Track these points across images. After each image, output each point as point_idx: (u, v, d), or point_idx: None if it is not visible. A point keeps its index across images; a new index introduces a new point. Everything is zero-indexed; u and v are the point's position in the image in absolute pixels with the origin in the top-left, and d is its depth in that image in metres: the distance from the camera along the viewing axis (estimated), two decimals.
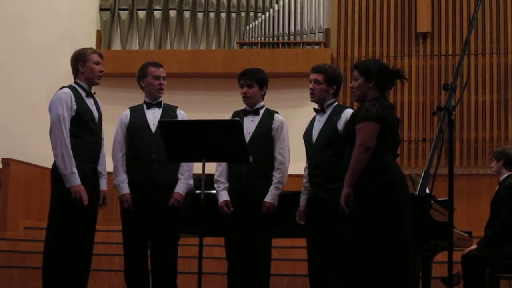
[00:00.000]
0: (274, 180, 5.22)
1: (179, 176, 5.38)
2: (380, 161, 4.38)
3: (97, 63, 5.26)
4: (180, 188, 5.37)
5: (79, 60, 5.25)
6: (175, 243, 5.42)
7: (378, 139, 4.36)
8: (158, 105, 5.48)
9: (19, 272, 8.30)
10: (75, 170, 5.01)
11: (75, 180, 5.00)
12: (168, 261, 5.36)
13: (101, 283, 7.96)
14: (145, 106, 5.48)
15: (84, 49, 5.37)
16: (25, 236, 9.54)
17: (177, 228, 5.42)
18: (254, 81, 5.32)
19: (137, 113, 5.46)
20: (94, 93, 5.32)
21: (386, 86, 4.60)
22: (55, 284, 5.02)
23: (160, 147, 5.16)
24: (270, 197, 5.18)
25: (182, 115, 5.54)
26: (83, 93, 5.21)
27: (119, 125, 5.47)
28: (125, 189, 5.32)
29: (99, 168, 5.25)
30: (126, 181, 5.33)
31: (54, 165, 5.11)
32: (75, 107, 5.12)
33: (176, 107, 5.59)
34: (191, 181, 5.45)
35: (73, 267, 5.04)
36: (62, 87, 5.22)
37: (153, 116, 5.40)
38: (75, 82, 5.27)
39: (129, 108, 5.57)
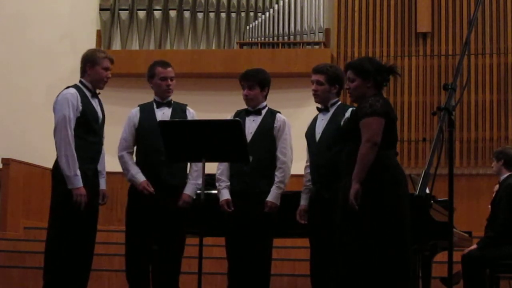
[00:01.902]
0: (276, 179, 5.21)
1: (189, 176, 5.37)
2: (384, 157, 4.38)
3: (106, 69, 5.21)
4: (189, 189, 5.35)
5: (89, 61, 5.20)
6: (181, 245, 5.41)
7: (382, 135, 4.37)
8: (168, 104, 5.45)
9: (19, 272, 8.30)
10: (78, 172, 4.99)
11: (78, 182, 4.99)
12: (173, 262, 5.35)
13: (101, 283, 7.96)
14: (155, 105, 5.45)
15: (97, 51, 5.32)
16: (25, 236, 9.53)
17: (183, 230, 5.40)
18: (256, 82, 5.31)
19: (146, 113, 5.42)
20: (99, 93, 5.29)
21: (383, 83, 4.61)
22: (55, 284, 5.02)
23: None
24: (272, 196, 5.18)
25: (191, 113, 5.52)
26: (88, 94, 5.18)
27: (127, 123, 5.43)
28: (141, 177, 5.28)
29: (99, 167, 5.24)
30: (140, 171, 5.29)
31: (55, 165, 5.09)
32: (80, 108, 5.09)
33: (186, 105, 5.56)
34: (200, 181, 5.42)
35: (74, 267, 5.03)
36: (68, 87, 5.18)
37: (162, 116, 5.35)
38: (80, 81, 5.23)
39: (138, 105, 5.52)
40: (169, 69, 5.46)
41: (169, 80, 5.43)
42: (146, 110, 5.44)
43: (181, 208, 5.30)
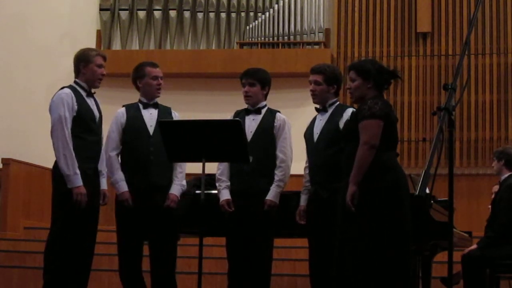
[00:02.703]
0: (276, 178, 5.20)
1: (174, 178, 5.35)
2: (385, 159, 4.39)
3: (100, 66, 5.21)
4: (175, 189, 5.33)
5: (82, 60, 5.21)
6: (173, 243, 5.40)
7: (382, 137, 4.37)
8: (155, 105, 5.44)
9: (19, 272, 8.30)
10: (77, 171, 4.99)
11: (77, 181, 4.99)
12: (167, 260, 5.34)
13: (101, 283, 7.96)
14: (141, 106, 5.42)
15: (88, 50, 5.33)
16: (25, 236, 9.53)
17: (175, 228, 5.41)
18: (256, 80, 5.31)
19: (133, 113, 5.39)
20: (94, 93, 5.29)
21: (383, 85, 4.61)
22: (55, 284, 5.01)
23: (157, 149, 5.15)
24: (271, 195, 5.17)
25: (176, 116, 5.51)
26: (83, 93, 5.19)
27: (114, 123, 5.38)
28: (124, 187, 5.26)
29: (99, 167, 5.24)
30: (124, 179, 5.29)
31: (55, 165, 5.09)
32: (76, 107, 5.10)
33: (170, 108, 5.56)
34: (184, 182, 5.43)
35: (74, 267, 5.04)
36: (63, 87, 5.20)
37: (150, 117, 5.36)
38: (75, 81, 5.24)
39: (123, 106, 5.49)
40: (158, 69, 5.47)
41: (159, 80, 5.43)
42: (133, 111, 5.41)
43: (168, 208, 5.29)
